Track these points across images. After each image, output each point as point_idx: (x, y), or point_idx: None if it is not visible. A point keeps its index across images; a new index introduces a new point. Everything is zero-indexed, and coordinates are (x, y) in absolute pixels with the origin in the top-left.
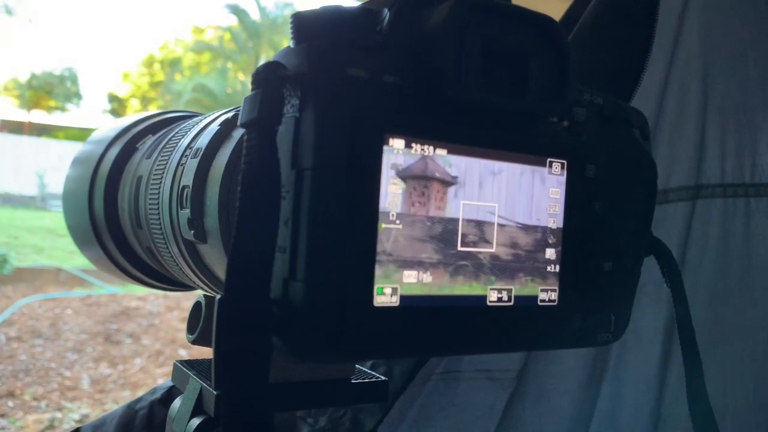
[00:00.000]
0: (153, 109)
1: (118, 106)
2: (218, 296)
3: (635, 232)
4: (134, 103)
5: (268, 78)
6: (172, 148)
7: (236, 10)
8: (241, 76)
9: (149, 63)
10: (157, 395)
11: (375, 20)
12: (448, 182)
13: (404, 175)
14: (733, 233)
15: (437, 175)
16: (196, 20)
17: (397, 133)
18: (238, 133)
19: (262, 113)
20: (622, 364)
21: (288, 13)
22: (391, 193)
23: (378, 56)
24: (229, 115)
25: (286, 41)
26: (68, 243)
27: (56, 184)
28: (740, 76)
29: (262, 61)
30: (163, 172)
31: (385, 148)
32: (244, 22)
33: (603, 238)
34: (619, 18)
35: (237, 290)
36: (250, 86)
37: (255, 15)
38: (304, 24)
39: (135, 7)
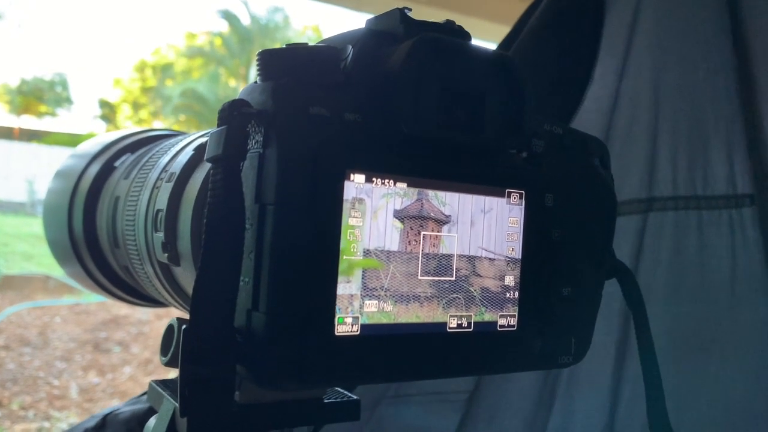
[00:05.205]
0: (143, 114)
1: (109, 111)
2: (183, 326)
3: (594, 258)
4: (125, 109)
5: (233, 116)
6: (148, 170)
7: (227, 16)
8: (232, 81)
9: (141, 68)
10: (91, 423)
11: (339, 57)
12: (403, 217)
13: (365, 209)
14: (686, 246)
15: (395, 209)
16: (188, 26)
17: (358, 169)
18: None
19: (227, 151)
20: (573, 380)
21: (279, 18)
22: (352, 227)
23: (340, 94)
24: (204, 140)
25: (278, 46)
26: None
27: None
28: (691, 88)
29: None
30: (139, 195)
31: (346, 183)
32: (235, 27)
33: (562, 265)
34: (563, 26)
35: (202, 320)
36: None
37: (246, 20)
38: (270, 62)
39: (127, 12)
